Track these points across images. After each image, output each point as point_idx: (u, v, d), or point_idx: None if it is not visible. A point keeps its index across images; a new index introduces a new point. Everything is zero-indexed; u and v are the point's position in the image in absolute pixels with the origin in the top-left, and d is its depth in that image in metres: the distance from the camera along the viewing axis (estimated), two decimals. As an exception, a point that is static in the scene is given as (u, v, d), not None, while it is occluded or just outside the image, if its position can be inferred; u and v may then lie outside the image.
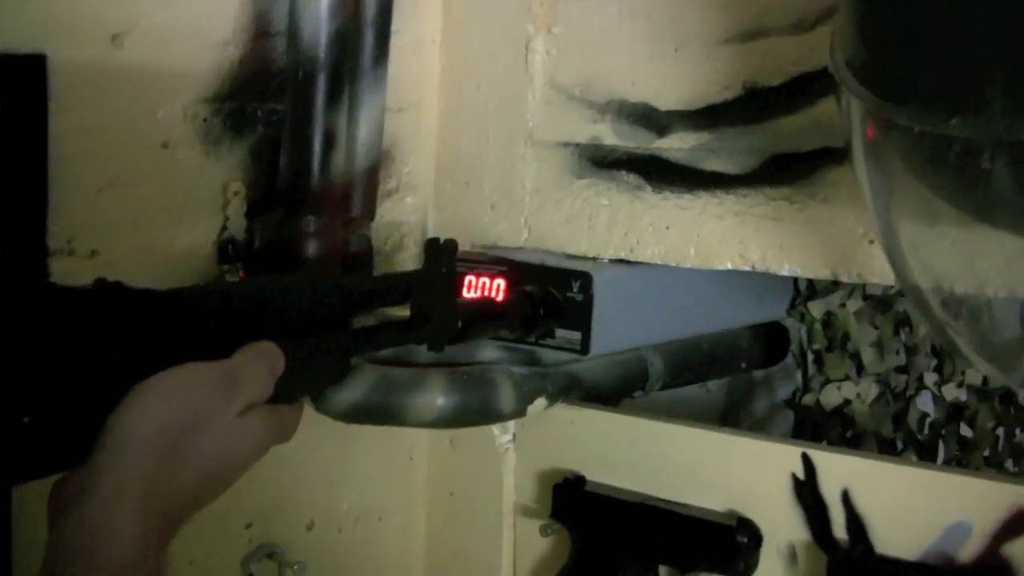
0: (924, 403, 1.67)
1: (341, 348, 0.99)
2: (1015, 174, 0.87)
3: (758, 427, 1.92)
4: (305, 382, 0.95)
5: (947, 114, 0.85)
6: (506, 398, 1.37)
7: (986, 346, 1.05)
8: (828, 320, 1.67)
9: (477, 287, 1.37)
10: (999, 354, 1.04)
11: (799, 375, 1.73)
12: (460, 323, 1.16)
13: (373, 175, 1.42)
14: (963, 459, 1.57)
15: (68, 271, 1.20)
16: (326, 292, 0.99)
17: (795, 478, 1.26)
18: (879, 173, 0.99)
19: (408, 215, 1.52)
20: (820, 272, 1.23)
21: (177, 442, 0.78)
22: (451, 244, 1.12)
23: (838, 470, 1.24)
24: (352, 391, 1.34)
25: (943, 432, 1.62)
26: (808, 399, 1.70)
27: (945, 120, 0.86)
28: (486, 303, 1.20)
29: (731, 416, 1.85)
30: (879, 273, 1.17)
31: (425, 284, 1.11)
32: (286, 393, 0.90)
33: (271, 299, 0.94)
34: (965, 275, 1.01)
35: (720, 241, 1.29)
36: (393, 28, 1.43)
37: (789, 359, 1.77)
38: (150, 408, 0.78)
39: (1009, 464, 1.59)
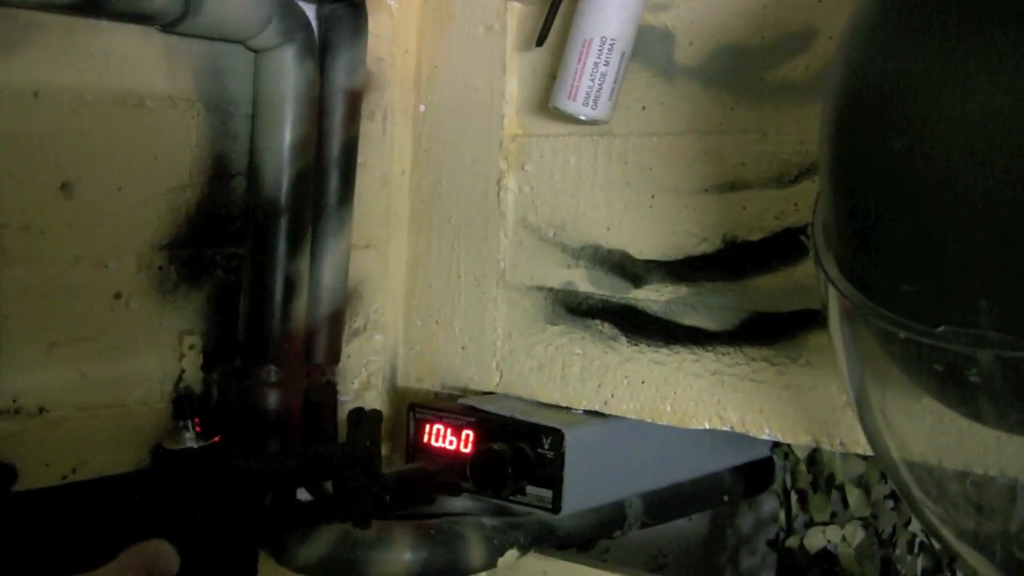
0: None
1: (246, 539, 0.95)
2: (1007, 388, 0.81)
3: (743, 542, 1.86)
4: None
5: (933, 322, 0.80)
6: (475, 552, 1.32)
7: (966, 532, 0.99)
8: (813, 458, 1.62)
9: (444, 439, 1.31)
10: (981, 540, 0.99)
11: (782, 515, 1.67)
12: (388, 497, 1.10)
13: (337, 319, 1.36)
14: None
15: (14, 431, 1.15)
16: (233, 479, 0.95)
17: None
18: (855, 351, 0.93)
19: (376, 354, 1.46)
20: (801, 439, 1.17)
21: None
22: (375, 415, 1.07)
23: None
24: (316, 546, 1.29)
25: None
26: (792, 541, 1.64)
27: (931, 328, 0.80)
28: (416, 473, 1.15)
29: (715, 539, 1.79)
30: (863, 444, 1.11)
31: (348, 459, 1.06)
32: None
33: (169, 492, 0.90)
34: (945, 457, 0.95)
35: (697, 400, 1.23)
36: (360, 161, 1.38)
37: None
38: None
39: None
